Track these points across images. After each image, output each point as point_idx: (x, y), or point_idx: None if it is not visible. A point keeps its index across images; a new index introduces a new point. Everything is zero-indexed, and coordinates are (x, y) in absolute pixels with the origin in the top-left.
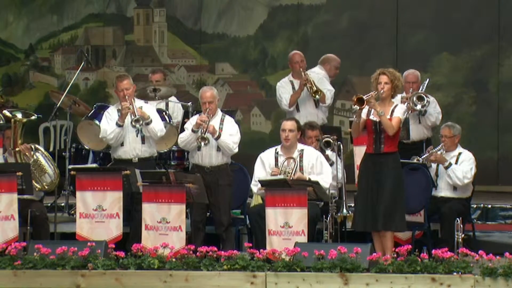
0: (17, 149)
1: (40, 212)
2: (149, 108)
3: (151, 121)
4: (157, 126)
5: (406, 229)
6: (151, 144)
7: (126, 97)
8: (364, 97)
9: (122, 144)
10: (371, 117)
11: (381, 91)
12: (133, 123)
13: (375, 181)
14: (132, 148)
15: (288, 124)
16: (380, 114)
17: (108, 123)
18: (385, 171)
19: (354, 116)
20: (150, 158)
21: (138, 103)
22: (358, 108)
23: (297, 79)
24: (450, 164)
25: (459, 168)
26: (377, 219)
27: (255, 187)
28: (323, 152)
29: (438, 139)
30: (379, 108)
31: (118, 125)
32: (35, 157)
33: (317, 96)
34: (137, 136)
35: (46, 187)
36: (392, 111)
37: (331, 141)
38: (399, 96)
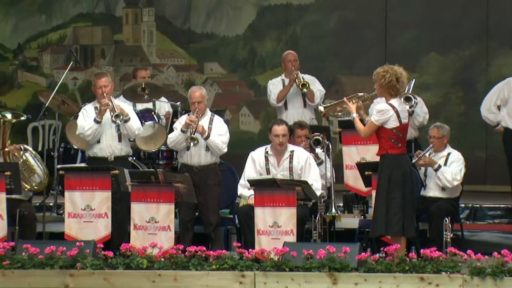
0: (6, 149)
1: (28, 212)
2: (127, 107)
3: (129, 118)
4: (135, 124)
5: (397, 233)
6: (127, 143)
7: (105, 94)
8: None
9: (98, 141)
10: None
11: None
12: (114, 119)
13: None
14: (109, 145)
15: (280, 129)
16: (351, 118)
17: (85, 119)
18: (380, 175)
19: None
20: (126, 157)
21: (116, 101)
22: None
23: (289, 78)
24: (440, 166)
25: (449, 170)
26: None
27: (241, 187)
28: (312, 150)
29: (426, 138)
30: (353, 112)
31: (96, 122)
32: (24, 157)
33: (304, 90)
34: (117, 131)
35: (35, 188)
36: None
37: (321, 139)
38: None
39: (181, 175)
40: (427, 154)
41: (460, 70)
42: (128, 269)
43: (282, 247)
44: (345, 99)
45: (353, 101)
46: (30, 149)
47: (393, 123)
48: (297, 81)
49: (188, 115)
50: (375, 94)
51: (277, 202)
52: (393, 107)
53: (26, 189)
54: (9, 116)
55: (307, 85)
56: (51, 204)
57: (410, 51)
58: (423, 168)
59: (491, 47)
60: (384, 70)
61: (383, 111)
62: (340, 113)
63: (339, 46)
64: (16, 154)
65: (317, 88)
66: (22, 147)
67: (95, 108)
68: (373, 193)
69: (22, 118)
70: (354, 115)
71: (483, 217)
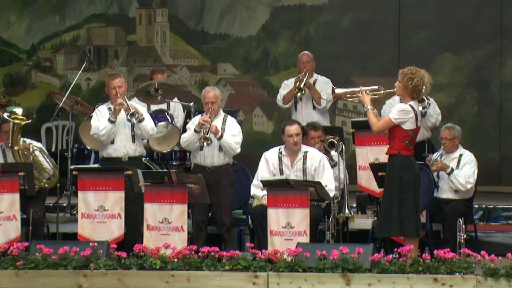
0: (16, 148)
1: (40, 212)
2: (140, 108)
3: (144, 118)
4: (149, 125)
5: (412, 234)
6: (141, 143)
7: (118, 95)
8: (336, 90)
9: (112, 142)
10: None
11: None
12: (129, 117)
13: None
14: (123, 146)
15: (293, 129)
16: (364, 109)
17: (99, 120)
18: (390, 175)
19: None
20: (139, 158)
21: (129, 102)
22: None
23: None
24: (452, 170)
25: (461, 173)
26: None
27: (254, 188)
28: (327, 153)
29: (438, 140)
30: (367, 104)
31: (110, 122)
32: (34, 154)
33: (298, 94)
34: (131, 132)
35: (46, 185)
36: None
37: (335, 142)
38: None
39: (194, 175)
40: (438, 158)
41: (474, 70)
42: (141, 269)
43: (295, 248)
44: (361, 88)
45: (367, 92)
46: (37, 145)
47: (410, 125)
48: (297, 83)
49: (202, 115)
50: (393, 91)
51: (290, 202)
52: (413, 109)
53: (36, 187)
54: (19, 111)
55: (303, 91)
56: (64, 204)
57: (423, 51)
58: None
59: (505, 47)
60: (413, 72)
61: (405, 111)
62: (350, 100)
63: (352, 46)
64: (26, 153)
65: (326, 92)
66: (31, 146)
67: (109, 109)
68: None
69: (33, 116)
70: (369, 107)
71: (497, 218)
